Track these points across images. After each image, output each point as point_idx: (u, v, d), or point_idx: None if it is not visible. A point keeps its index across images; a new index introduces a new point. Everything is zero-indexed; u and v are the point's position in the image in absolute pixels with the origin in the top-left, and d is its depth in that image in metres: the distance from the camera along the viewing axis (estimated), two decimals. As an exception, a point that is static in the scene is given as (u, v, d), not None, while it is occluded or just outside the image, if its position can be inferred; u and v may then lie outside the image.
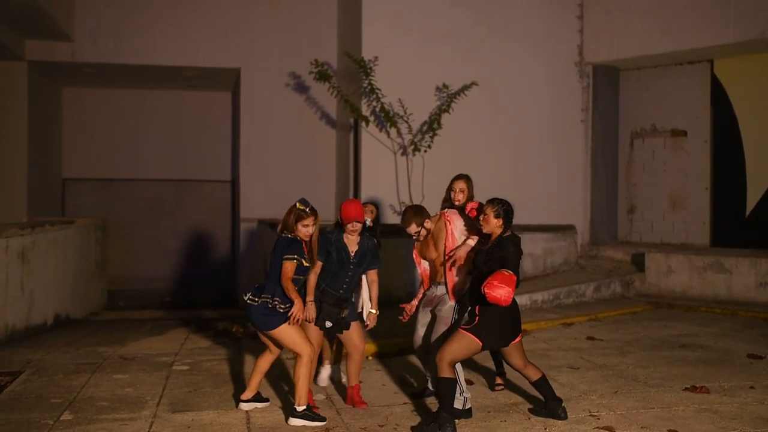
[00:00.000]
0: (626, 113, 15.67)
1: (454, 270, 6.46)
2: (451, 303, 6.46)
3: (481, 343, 5.87)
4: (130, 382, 7.57)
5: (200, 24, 16.34)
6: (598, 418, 6.15)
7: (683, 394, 6.86)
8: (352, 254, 6.56)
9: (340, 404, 6.73)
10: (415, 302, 6.89)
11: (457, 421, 5.93)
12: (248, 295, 6.20)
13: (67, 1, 15.54)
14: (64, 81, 18.38)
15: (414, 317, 6.87)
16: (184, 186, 19.87)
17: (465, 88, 13.66)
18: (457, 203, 6.71)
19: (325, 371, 7.35)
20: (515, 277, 5.70)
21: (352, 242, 6.59)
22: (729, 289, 12.34)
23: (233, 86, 18.49)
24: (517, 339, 6.10)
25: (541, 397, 6.30)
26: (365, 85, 13.29)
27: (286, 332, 6.06)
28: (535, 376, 6.18)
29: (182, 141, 19.49)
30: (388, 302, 6.90)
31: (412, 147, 13.39)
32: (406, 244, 7.84)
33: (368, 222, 6.93)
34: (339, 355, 7.50)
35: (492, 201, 6.09)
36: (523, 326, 6.88)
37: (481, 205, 6.30)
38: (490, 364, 7.52)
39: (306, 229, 6.14)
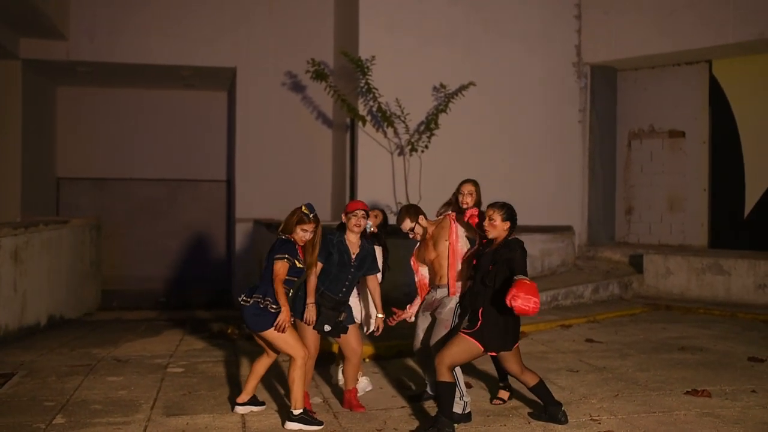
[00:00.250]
0: (624, 114, 15.61)
1: (457, 267, 6.38)
2: (451, 306, 6.38)
3: (482, 348, 5.79)
4: (124, 385, 7.47)
5: (196, 23, 16.25)
6: (600, 423, 6.07)
7: (684, 397, 6.78)
8: (353, 257, 6.48)
9: (338, 408, 6.64)
10: (408, 310, 6.80)
11: (456, 425, 5.85)
12: (242, 296, 6.12)
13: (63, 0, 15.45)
14: (59, 80, 18.27)
15: (414, 322, 6.81)
16: (180, 186, 19.78)
17: (462, 88, 13.58)
18: (464, 206, 6.64)
19: (365, 379, 7.22)
20: (535, 285, 5.61)
21: (353, 245, 6.52)
22: (728, 291, 12.28)
23: (229, 86, 18.39)
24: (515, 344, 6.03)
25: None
26: (362, 84, 13.20)
27: (278, 333, 5.97)
28: (532, 381, 6.09)
29: (178, 140, 19.41)
30: (385, 303, 6.83)
31: (409, 147, 13.30)
32: (403, 245, 7.77)
33: (370, 227, 6.87)
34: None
35: (496, 205, 6.00)
36: (522, 328, 6.78)
37: (481, 212, 6.25)
38: (489, 367, 7.43)
39: (304, 234, 6.07)
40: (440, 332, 6.35)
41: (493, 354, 5.92)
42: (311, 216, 6.09)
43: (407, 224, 6.59)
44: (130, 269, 19.17)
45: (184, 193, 19.84)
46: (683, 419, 6.14)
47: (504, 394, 6.77)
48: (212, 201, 19.80)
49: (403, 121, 13.30)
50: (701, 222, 14.57)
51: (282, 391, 7.12)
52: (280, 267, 5.96)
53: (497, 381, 6.95)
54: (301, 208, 6.14)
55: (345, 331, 6.48)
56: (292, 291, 6.16)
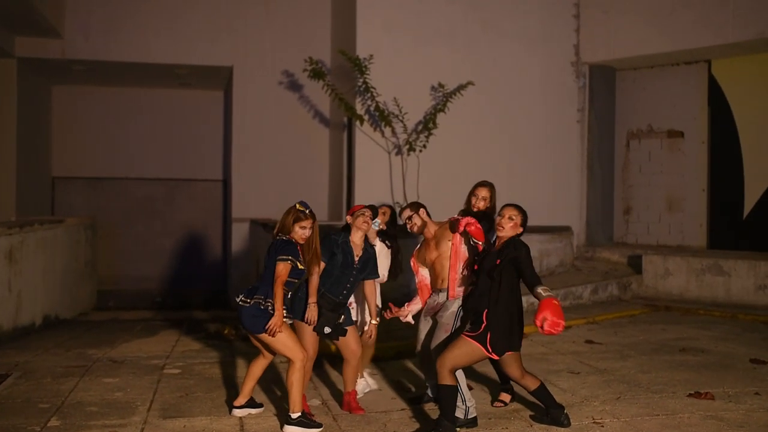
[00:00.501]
0: (623, 113, 15.56)
1: (458, 269, 6.30)
2: (453, 309, 6.28)
3: (485, 351, 5.70)
4: (120, 386, 7.38)
5: (193, 22, 16.15)
6: (603, 426, 5.99)
7: (687, 400, 6.70)
8: (357, 259, 6.41)
9: (337, 410, 6.56)
10: (405, 308, 6.71)
11: (459, 429, 5.76)
12: (240, 296, 6.03)
13: (58, -2, 15.36)
14: (55, 78, 18.15)
15: (414, 324, 6.73)
16: (176, 185, 19.67)
17: (461, 87, 13.49)
18: (476, 210, 6.57)
19: (363, 381, 7.14)
20: (560, 305, 5.67)
21: (357, 246, 6.45)
22: (727, 292, 12.21)
23: (226, 85, 18.30)
24: None
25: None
26: (360, 83, 13.12)
27: (277, 336, 5.87)
28: (533, 385, 6.01)
29: (174, 140, 19.30)
30: (384, 303, 6.78)
31: (407, 147, 13.22)
32: (404, 244, 7.68)
33: (378, 224, 6.81)
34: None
35: (518, 207, 6.00)
36: (521, 329, 6.73)
37: (480, 220, 6.22)
38: (490, 369, 7.35)
39: (303, 231, 5.98)
40: (440, 335, 6.25)
41: (495, 357, 5.83)
42: (307, 212, 6.01)
43: (406, 213, 6.58)
44: (126, 269, 19.08)
45: (180, 193, 19.74)
46: (687, 422, 6.06)
47: (506, 396, 6.69)
48: (208, 201, 19.70)
49: (401, 121, 13.23)
50: (700, 222, 14.52)
51: (279, 394, 7.03)
52: (282, 268, 5.87)
53: (498, 383, 6.86)
54: (295, 206, 6.06)
55: (344, 333, 6.40)
56: (291, 292, 6.07)
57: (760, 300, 11.84)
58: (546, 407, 6.04)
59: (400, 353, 8.56)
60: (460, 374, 5.97)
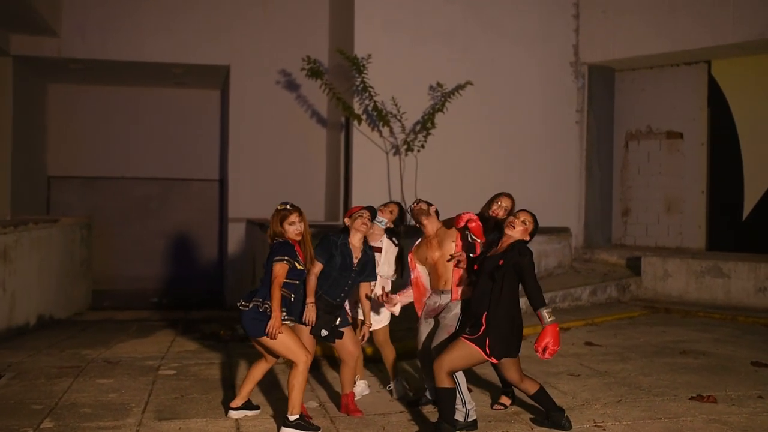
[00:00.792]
0: (621, 114, 15.49)
1: (460, 270, 6.21)
2: (456, 311, 6.18)
3: (484, 354, 5.61)
4: (115, 388, 7.28)
5: (190, 21, 16.07)
6: (604, 429, 5.90)
7: (690, 403, 6.62)
8: (356, 261, 6.32)
9: (334, 412, 6.46)
10: (396, 297, 6.60)
11: (458, 432, 5.70)
12: (241, 300, 5.94)
13: (54, -4, 15.27)
14: (50, 77, 18.08)
15: (415, 327, 6.65)
16: (172, 185, 19.61)
17: (459, 87, 13.41)
18: (493, 215, 6.50)
19: (362, 383, 7.06)
20: (558, 329, 5.61)
21: (356, 248, 6.36)
22: (727, 294, 12.15)
23: (222, 84, 18.21)
24: None
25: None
26: (358, 83, 13.03)
27: (279, 339, 5.78)
28: (533, 389, 5.92)
29: (170, 139, 19.25)
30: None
31: (405, 146, 13.14)
32: (407, 245, 7.59)
33: (385, 223, 6.75)
34: (395, 369, 7.18)
35: (531, 213, 5.95)
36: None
37: (492, 227, 6.22)
38: (489, 371, 7.26)
39: (293, 227, 5.89)
40: (442, 336, 6.16)
41: (493, 361, 5.75)
42: (289, 206, 5.93)
43: (422, 204, 6.52)
44: (122, 269, 19.02)
45: (176, 193, 19.68)
46: (690, 426, 5.98)
47: (506, 399, 6.61)
48: (205, 200, 19.64)
49: (399, 120, 13.15)
50: (699, 224, 14.45)
51: (277, 395, 6.94)
52: (279, 269, 5.78)
53: (498, 386, 6.78)
54: (276, 209, 5.98)
55: (341, 336, 6.30)
56: (294, 296, 5.97)
57: (760, 302, 11.77)
58: (546, 411, 5.96)
59: (398, 354, 8.44)
60: (460, 376, 5.88)
